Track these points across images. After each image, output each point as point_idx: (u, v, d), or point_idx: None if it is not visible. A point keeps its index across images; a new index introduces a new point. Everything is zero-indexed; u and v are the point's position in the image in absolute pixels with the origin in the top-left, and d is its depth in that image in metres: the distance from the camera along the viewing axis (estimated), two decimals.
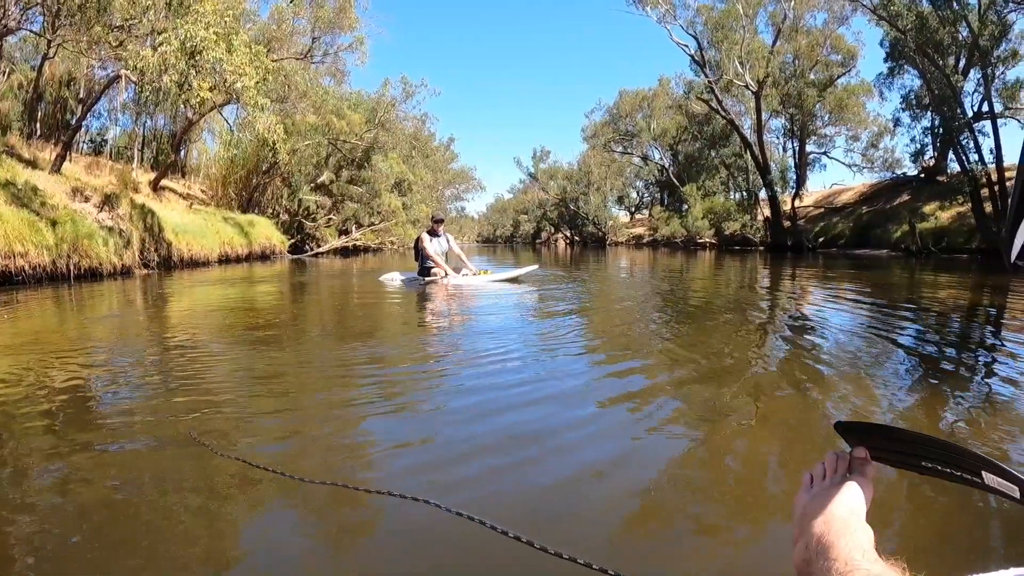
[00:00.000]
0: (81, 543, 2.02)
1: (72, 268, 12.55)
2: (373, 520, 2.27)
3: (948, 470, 1.08)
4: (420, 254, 12.03)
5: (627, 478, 2.59)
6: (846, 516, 1.05)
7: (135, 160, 28.53)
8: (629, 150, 54.69)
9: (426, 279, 11.75)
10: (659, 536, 2.15)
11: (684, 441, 3.04)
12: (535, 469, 2.69)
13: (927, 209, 26.12)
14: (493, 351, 5.10)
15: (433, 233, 12.02)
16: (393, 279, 12.17)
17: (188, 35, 12.54)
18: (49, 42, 16.88)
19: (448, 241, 12.11)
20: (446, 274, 11.72)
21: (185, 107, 17.14)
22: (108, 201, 15.06)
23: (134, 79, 15.29)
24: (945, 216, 24.66)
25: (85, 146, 29.39)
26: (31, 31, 17.52)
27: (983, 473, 1.03)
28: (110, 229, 14.32)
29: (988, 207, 21.06)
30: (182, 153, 31.05)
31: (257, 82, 14.04)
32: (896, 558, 0.95)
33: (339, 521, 2.25)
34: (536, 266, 12.44)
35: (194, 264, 18.34)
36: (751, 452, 2.89)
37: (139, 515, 2.23)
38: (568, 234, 71.67)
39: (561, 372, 4.34)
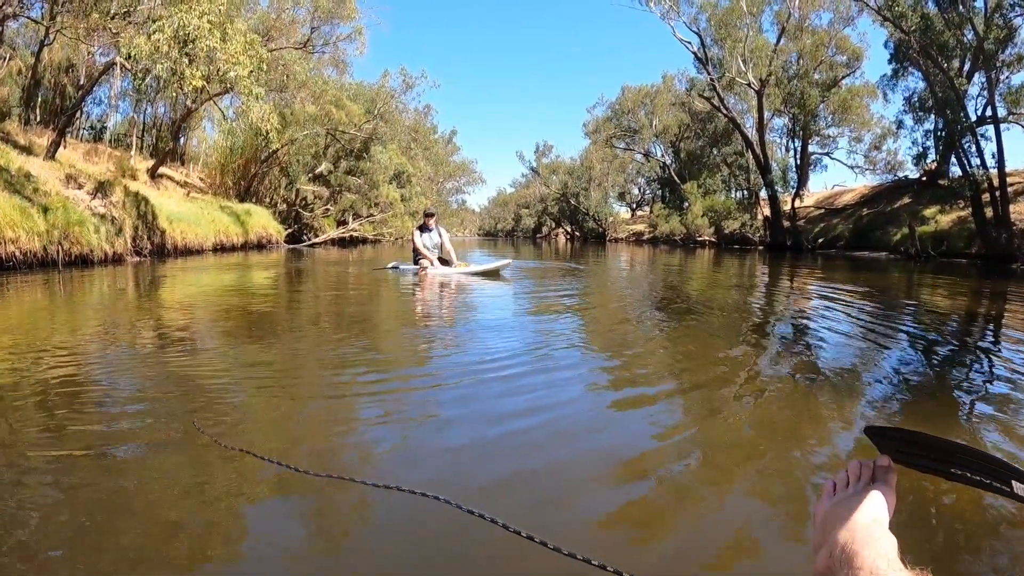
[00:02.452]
0: (78, 529, 2.00)
1: (62, 255, 12.50)
2: (383, 516, 2.21)
3: (977, 478, 1.08)
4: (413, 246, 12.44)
5: (632, 482, 2.54)
6: (870, 525, 1.06)
7: (134, 147, 28.42)
8: (631, 146, 54.50)
9: (409, 268, 12.22)
10: (668, 540, 2.12)
11: (686, 445, 2.97)
12: (535, 469, 2.63)
13: (927, 213, 25.98)
14: (493, 347, 5.05)
15: (424, 227, 12.40)
16: (392, 267, 12.58)
17: (181, 23, 12.43)
18: (47, 28, 16.80)
19: (440, 234, 12.41)
20: (431, 263, 12.09)
21: (183, 95, 17.01)
22: (101, 188, 14.98)
23: (128, 66, 15.19)
24: (945, 220, 24.52)
25: (85, 133, 29.34)
26: (29, 17, 17.44)
27: (1013, 483, 1.03)
28: (102, 216, 14.25)
29: (989, 212, 20.92)
30: (181, 141, 31.01)
31: (251, 71, 13.93)
32: (921, 567, 0.97)
33: (348, 516, 2.22)
34: (510, 260, 12.65)
35: (188, 252, 18.29)
36: (752, 458, 2.83)
37: (141, 506, 2.19)
38: (569, 229, 71.56)
39: (561, 372, 4.27)
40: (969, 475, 1.08)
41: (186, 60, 12.98)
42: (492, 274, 11.88)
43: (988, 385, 4.21)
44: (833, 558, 1.04)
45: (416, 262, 12.33)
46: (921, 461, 1.15)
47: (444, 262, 12.30)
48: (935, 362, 4.95)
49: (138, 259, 15.29)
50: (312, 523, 2.15)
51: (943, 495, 2.32)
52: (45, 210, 12.54)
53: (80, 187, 14.77)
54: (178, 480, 2.40)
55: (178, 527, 2.04)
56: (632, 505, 2.30)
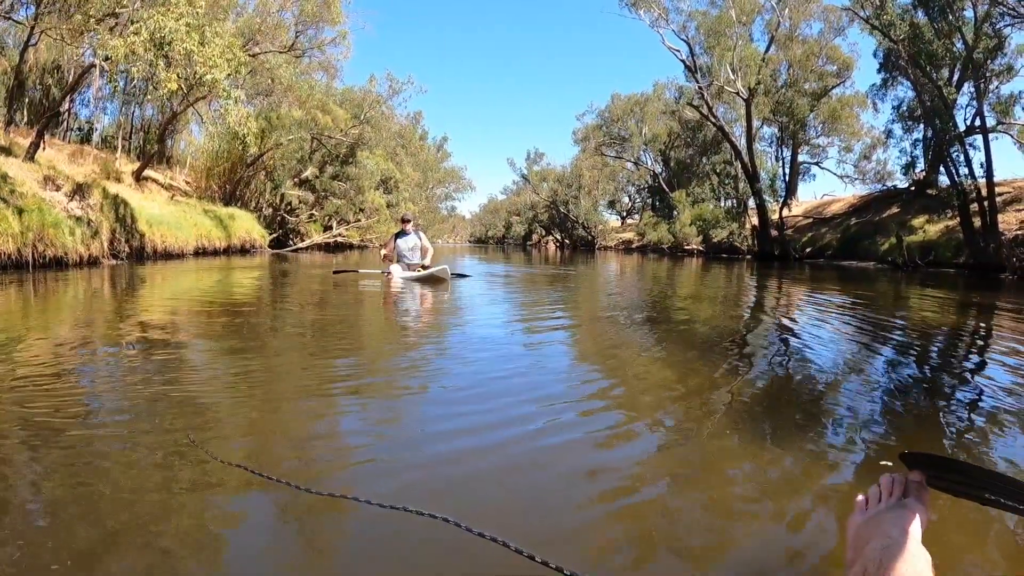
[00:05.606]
0: (66, 541, 1.92)
1: (36, 257, 12.35)
2: (385, 537, 2.09)
3: (1011, 503, 1.08)
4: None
5: (631, 501, 2.44)
6: (905, 540, 1.04)
7: (119, 149, 28.25)
8: (621, 154, 54.48)
9: (385, 273, 12.47)
10: (676, 563, 2.04)
11: (677, 464, 2.88)
12: (530, 484, 2.58)
13: (916, 222, 25.98)
14: (486, 366, 4.88)
15: (402, 232, 12.54)
16: (392, 271, 12.43)
17: (158, 26, 12.28)
18: (32, 29, 16.66)
19: (420, 237, 12.59)
20: (396, 266, 12.27)
21: (160, 97, 16.90)
22: (79, 190, 14.81)
23: (107, 68, 15.08)
24: (933, 230, 24.51)
25: (73, 134, 29.19)
26: (11, 18, 17.29)
27: None
28: (78, 219, 14.08)
29: (976, 222, 20.89)
30: (168, 144, 30.87)
31: (228, 74, 13.78)
32: None
33: (349, 537, 2.14)
34: (446, 266, 12.41)
35: (168, 256, 18.17)
36: (741, 475, 2.73)
37: (132, 523, 2.08)
38: (558, 237, 71.50)
39: (548, 388, 4.13)
40: (1003, 501, 1.07)
41: (162, 63, 12.84)
42: (437, 280, 11.80)
43: (977, 400, 4.13)
44: (868, 573, 1.03)
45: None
46: (955, 487, 1.14)
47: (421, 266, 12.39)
48: (929, 382, 4.80)
49: (115, 262, 15.13)
50: (311, 544, 2.05)
51: (976, 512, 2.21)
52: (20, 212, 12.38)
53: (58, 189, 14.59)
54: (171, 495, 2.30)
55: (173, 548, 1.95)
56: (634, 524, 2.23)
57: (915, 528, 1.08)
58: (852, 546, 1.14)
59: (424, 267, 12.18)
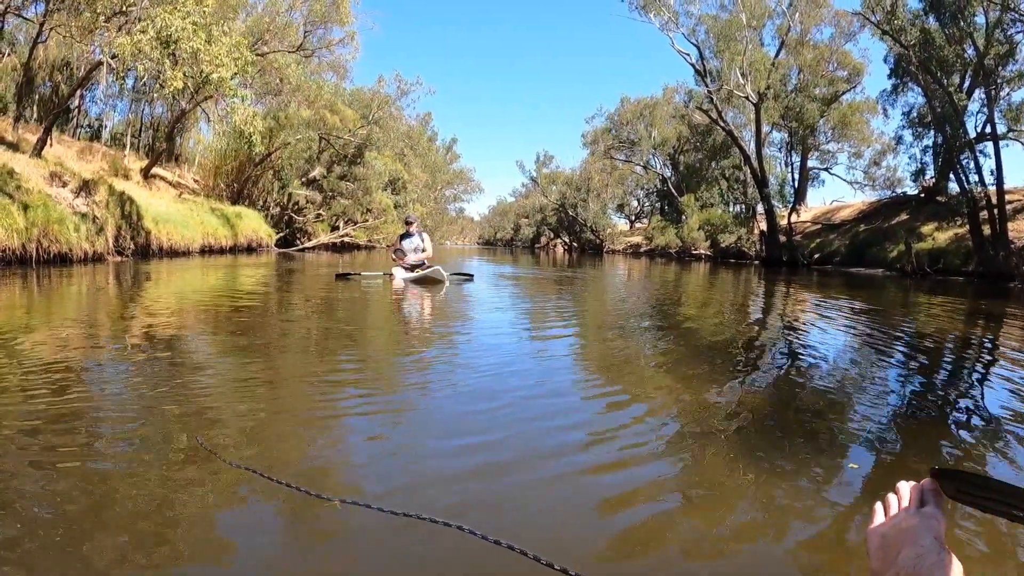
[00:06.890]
0: (69, 545, 1.91)
1: (40, 252, 12.37)
2: (394, 543, 2.06)
3: None
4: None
5: (641, 521, 2.40)
6: (938, 549, 1.02)
7: (128, 147, 28.35)
8: (630, 158, 54.33)
9: (386, 274, 12.71)
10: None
11: (691, 483, 2.83)
12: (536, 491, 2.56)
13: (925, 229, 25.79)
14: (489, 368, 4.91)
15: (406, 235, 12.73)
16: (395, 273, 12.54)
17: (164, 24, 12.30)
18: (41, 26, 16.74)
19: (422, 239, 12.71)
20: (400, 267, 12.44)
21: (167, 96, 16.96)
22: (85, 187, 14.84)
23: (114, 66, 15.12)
24: (942, 237, 24.32)
25: (83, 131, 29.30)
26: (21, 15, 17.39)
27: None
28: (83, 215, 14.10)
29: (986, 229, 20.72)
30: (177, 141, 30.95)
31: (235, 73, 13.79)
32: None
33: (361, 543, 2.10)
34: (440, 267, 12.44)
35: (174, 253, 18.21)
36: (758, 493, 2.67)
37: (142, 527, 2.06)
38: (567, 240, 71.31)
39: (558, 400, 4.11)
40: None
41: (168, 61, 12.87)
42: (434, 280, 11.92)
43: (1000, 415, 4.05)
44: None
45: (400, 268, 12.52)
46: (985, 503, 1.07)
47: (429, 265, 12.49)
48: (940, 393, 4.75)
49: (119, 259, 15.14)
50: (322, 549, 2.03)
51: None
52: (25, 207, 12.41)
53: (64, 185, 14.63)
54: (180, 499, 2.27)
55: (183, 553, 1.94)
56: (647, 544, 2.21)
57: (942, 537, 1.06)
58: (877, 555, 1.10)
59: (423, 268, 12.24)
